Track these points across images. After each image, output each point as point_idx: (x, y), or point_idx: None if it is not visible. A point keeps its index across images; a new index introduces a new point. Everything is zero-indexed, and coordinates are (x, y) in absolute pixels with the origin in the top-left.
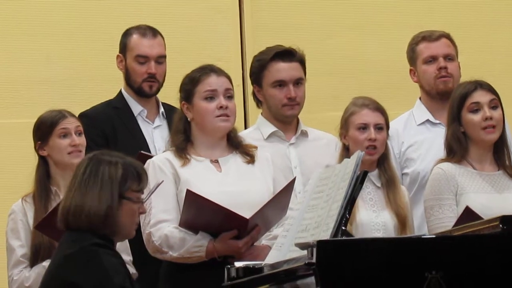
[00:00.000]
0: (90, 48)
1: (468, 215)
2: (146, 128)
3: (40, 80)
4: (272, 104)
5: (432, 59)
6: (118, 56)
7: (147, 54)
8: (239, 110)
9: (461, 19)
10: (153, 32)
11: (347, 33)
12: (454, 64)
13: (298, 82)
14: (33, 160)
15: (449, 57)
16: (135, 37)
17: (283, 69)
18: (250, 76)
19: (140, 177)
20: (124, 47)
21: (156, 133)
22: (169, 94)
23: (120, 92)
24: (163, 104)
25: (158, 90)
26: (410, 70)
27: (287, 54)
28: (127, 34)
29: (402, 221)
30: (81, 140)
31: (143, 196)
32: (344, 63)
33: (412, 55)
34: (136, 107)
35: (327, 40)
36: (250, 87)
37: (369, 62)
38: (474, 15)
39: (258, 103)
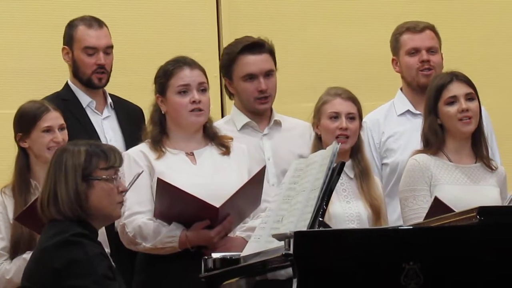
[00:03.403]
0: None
1: (438, 206)
2: (96, 119)
3: (14, 70)
4: (244, 98)
5: (415, 51)
6: (63, 48)
7: (96, 45)
8: (216, 101)
9: (439, 9)
10: (99, 23)
11: (324, 23)
12: (437, 56)
13: (269, 74)
14: (7, 151)
15: (432, 50)
16: (81, 28)
17: (252, 62)
18: (220, 69)
19: (106, 154)
20: (70, 39)
21: (106, 124)
22: (146, 85)
23: (67, 84)
24: (111, 95)
25: (107, 81)
26: (393, 59)
27: (256, 46)
28: (72, 25)
29: (376, 212)
30: (64, 136)
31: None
32: (321, 54)
33: (395, 45)
34: (84, 99)
35: (304, 30)
36: None
37: (346, 52)
38: (452, 5)
39: (230, 95)
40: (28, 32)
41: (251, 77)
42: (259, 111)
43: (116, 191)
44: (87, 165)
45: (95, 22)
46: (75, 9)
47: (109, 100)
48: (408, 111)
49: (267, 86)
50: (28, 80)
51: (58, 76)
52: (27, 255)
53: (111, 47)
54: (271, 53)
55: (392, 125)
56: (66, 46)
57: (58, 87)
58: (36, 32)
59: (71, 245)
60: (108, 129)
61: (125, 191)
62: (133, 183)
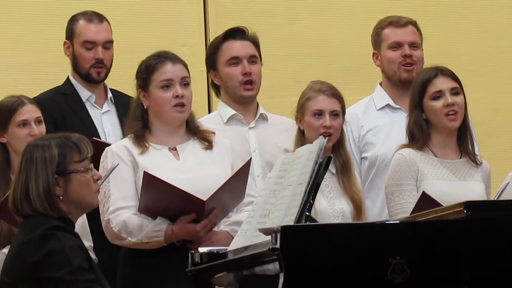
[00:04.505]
0: (55, 34)
1: (425, 200)
2: (95, 114)
3: (4, 65)
4: (230, 84)
5: (397, 45)
6: (65, 42)
7: (94, 39)
8: (203, 95)
9: (426, 4)
10: (99, 18)
11: (310, 18)
12: (419, 52)
13: (253, 60)
14: None
15: (414, 45)
16: (81, 23)
17: (236, 47)
18: (206, 64)
19: (79, 146)
20: (70, 34)
21: (105, 118)
22: (132, 79)
23: (68, 78)
24: (112, 90)
25: (106, 75)
26: (373, 53)
27: (238, 32)
28: (73, 20)
29: (358, 207)
30: (41, 129)
31: (100, 173)
32: (307, 48)
33: (377, 39)
34: (84, 93)
35: (290, 25)
36: None
37: (332, 47)
38: (441, 1)
39: (217, 91)
40: (31, 26)
41: (235, 61)
42: (245, 99)
43: (92, 180)
44: (62, 160)
45: (96, 17)
46: (65, 3)
47: (110, 94)
48: (388, 105)
49: (251, 70)
50: (32, 74)
51: (62, 70)
52: (7, 250)
53: (111, 42)
54: (255, 43)
55: (371, 119)
56: (67, 41)
57: (62, 82)
58: (39, 26)
59: (47, 238)
60: (107, 124)
61: (100, 178)
62: (108, 176)
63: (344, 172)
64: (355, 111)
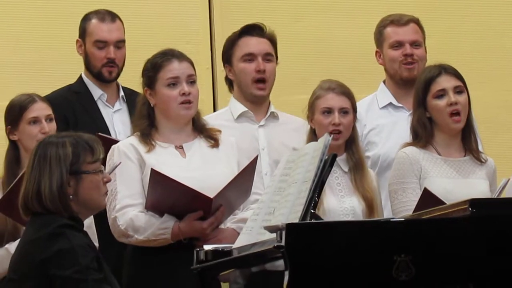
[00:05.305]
0: (60, 32)
1: (427, 197)
2: (107, 112)
3: (10, 63)
4: (242, 80)
5: (399, 44)
6: (77, 41)
7: (106, 39)
8: (208, 93)
9: (430, 2)
10: (112, 17)
11: (316, 16)
12: (420, 50)
13: (268, 58)
14: (4, 143)
15: (416, 44)
16: (94, 22)
17: (252, 43)
18: (222, 58)
19: (92, 148)
20: (83, 32)
21: (116, 117)
22: (138, 77)
23: (80, 76)
24: (124, 88)
25: (118, 75)
26: (376, 52)
27: (256, 29)
28: (86, 19)
29: (370, 205)
30: (51, 127)
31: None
32: (313, 46)
33: (379, 38)
34: (96, 92)
35: (296, 23)
36: (219, 70)
37: (338, 45)
38: None
39: (230, 86)
40: (35, 25)
41: (250, 57)
42: (256, 98)
43: (102, 182)
44: (75, 160)
45: (108, 16)
46: (70, 1)
47: (122, 93)
48: (391, 104)
49: (265, 67)
50: (36, 72)
51: (66, 68)
52: (10, 246)
53: (123, 41)
54: (272, 41)
55: (374, 118)
56: (79, 39)
57: (66, 80)
58: (43, 24)
59: (57, 236)
60: (118, 122)
61: (109, 181)
62: (109, 174)
63: (357, 170)
64: (358, 109)
